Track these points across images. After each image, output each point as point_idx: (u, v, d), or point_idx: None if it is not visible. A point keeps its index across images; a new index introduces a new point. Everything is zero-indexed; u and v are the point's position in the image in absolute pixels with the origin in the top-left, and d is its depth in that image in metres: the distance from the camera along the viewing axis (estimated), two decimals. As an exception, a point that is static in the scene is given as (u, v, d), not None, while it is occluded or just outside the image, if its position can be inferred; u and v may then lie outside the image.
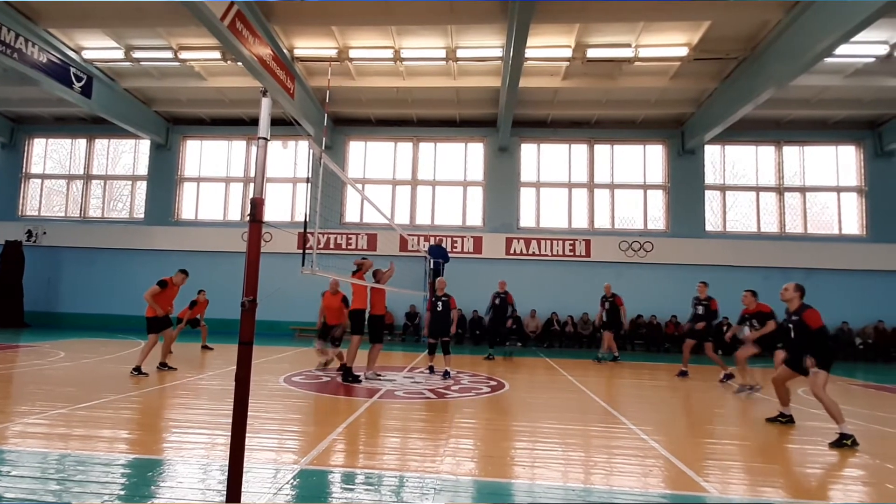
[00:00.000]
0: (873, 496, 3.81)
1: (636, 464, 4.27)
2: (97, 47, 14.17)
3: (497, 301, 12.32)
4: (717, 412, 6.91)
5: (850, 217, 16.89)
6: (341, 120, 17.92)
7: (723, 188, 17.34)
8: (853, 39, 10.18)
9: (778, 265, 16.15)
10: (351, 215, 18.19)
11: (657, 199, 17.48)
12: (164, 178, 18.53)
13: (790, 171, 17.21)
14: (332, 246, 17.26)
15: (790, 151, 17.24)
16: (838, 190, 16.98)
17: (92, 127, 18.65)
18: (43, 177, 19.19)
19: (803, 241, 16.61)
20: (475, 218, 17.81)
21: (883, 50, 12.31)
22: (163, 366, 8.24)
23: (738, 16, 11.66)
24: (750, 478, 4.06)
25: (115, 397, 6.09)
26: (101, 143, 19.15)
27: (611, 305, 12.08)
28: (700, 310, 9.91)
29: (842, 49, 10.81)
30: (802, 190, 17.09)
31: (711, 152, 17.37)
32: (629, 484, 3.81)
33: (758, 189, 17.24)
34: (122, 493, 3.30)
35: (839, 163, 17.03)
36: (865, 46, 12.17)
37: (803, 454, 4.81)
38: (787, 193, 17.12)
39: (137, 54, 14.29)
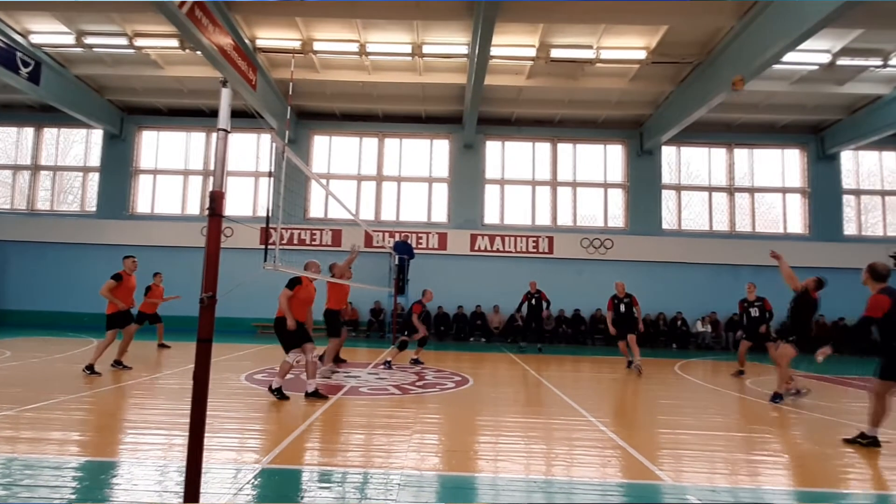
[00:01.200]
0: (814, 480, 4.06)
1: (595, 455, 4.42)
2: (46, 31, 13.45)
3: (533, 301, 13.05)
4: (672, 403, 7.19)
5: (794, 217, 17.80)
6: (305, 113, 17.62)
7: (678, 188, 17.97)
8: (799, 48, 10.75)
9: (728, 262, 16.88)
10: (315, 211, 17.94)
11: (617, 198, 17.96)
12: (118, 169, 17.78)
13: (740, 172, 17.99)
14: (295, 242, 16.98)
15: (740, 154, 18.01)
16: (784, 191, 17.85)
17: (40, 115, 17.70)
18: (-15, 167, 18.12)
19: (752, 239, 17.40)
20: (440, 214, 17.86)
21: (825, 58, 13.00)
22: (117, 364, 7.95)
23: (693, 21, 12.09)
24: (702, 465, 4.26)
25: (66, 398, 5.85)
26: (50, 133, 18.21)
27: (626, 307, 10.12)
28: (754, 311, 9.70)
29: (789, 56, 11.40)
30: (751, 190, 17.89)
31: (668, 153, 17.97)
32: (589, 475, 3.94)
33: (710, 189, 17.94)
34: (73, 496, 3.20)
35: (785, 165, 17.92)
36: (810, 55, 12.84)
37: (750, 442, 5.07)
38: (737, 194, 17.89)
39: (89, 40, 13.64)
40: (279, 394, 6.04)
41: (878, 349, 4.73)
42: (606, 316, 10.54)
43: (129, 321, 8.08)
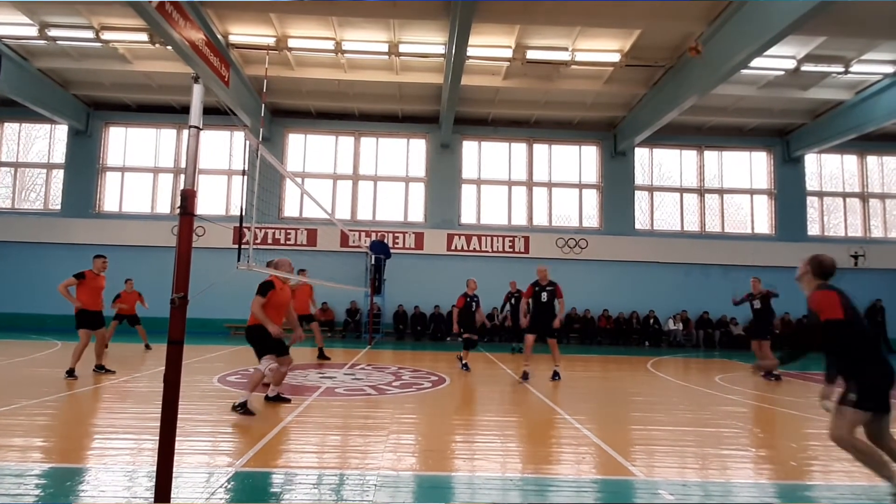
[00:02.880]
0: (780, 473, 4.19)
1: (570, 452, 4.47)
2: (6, 23, 12.91)
3: (513, 301, 12.56)
4: (645, 400, 7.32)
5: (761, 217, 18.34)
6: (280, 111, 17.37)
7: (650, 189, 18.32)
8: (766, 53, 11.09)
9: (699, 262, 17.30)
10: (290, 210, 17.70)
11: (591, 198, 18.21)
12: (83, 166, 17.23)
13: (710, 174, 18.44)
14: (269, 241, 16.73)
15: (710, 156, 18.47)
16: (751, 192, 18.38)
17: (0, 109, 17.02)
18: (-61, 162, 17.33)
19: (721, 239, 17.86)
20: (417, 214, 17.83)
21: (791, 64, 13.42)
22: (99, 368, 7.64)
23: (665, 26, 12.34)
24: (673, 461, 4.36)
25: (28, 402, 5.64)
26: (10, 128, 17.53)
27: (549, 297, 8.46)
28: (756, 304, 9.63)
29: (756, 62, 11.76)
30: (720, 192, 18.36)
31: (641, 154, 18.30)
32: (564, 471, 3.99)
33: (681, 190, 18.35)
34: (38, 505, 3.08)
35: (752, 167, 18.45)
36: (776, 60, 13.24)
37: (720, 437, 5.20)
38: (707, 195, 18.34)
39: (53, 32, 13.16)
40: (243, 409, 5.19)
41: (839, 366, 3.38)
42: (521, 306, 8.98)
43: (101, 324, 7.66)
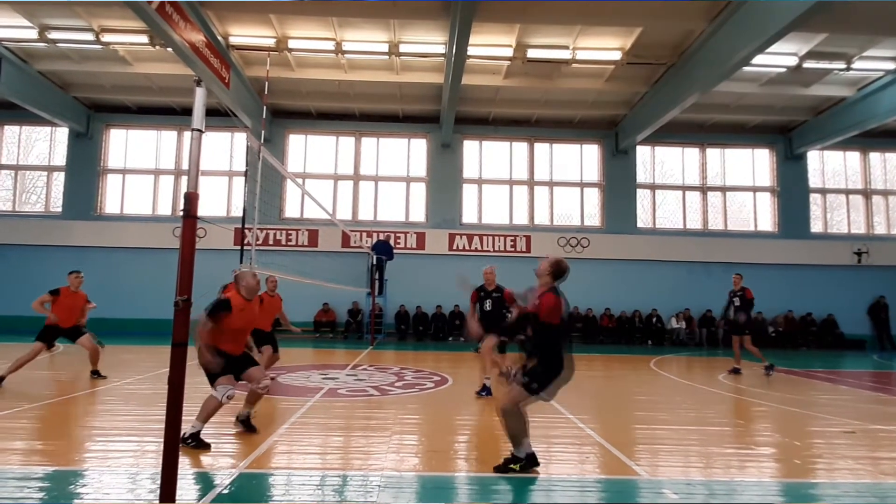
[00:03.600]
0: (784, 472, 4.18)
1: (574, 451, 4.46)
2: (6, 25, 12.92)
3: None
4: (648, 399, 7.31)
5: (764, 215, 18.28)
6: (280, 112, 17.36)
7: (652, 187, 18.28)
8: (767, 51, 11.04)
9: (701, 259, 17.26)
10: (291, 210, 17.70)
11: (593, 197, 18.18)
12: (84, 168, 17.23)
13: (712, 171, 18.39)
14: (271, 242, 16.73)
15: (712, 153, 18.42)
16: (754, 190, 18.32)
17: (0, 112, 17.04)
18: (-59, 166, 17.36)
19: (724, 237, 17.81)
20: (418, 214, 17.82)
21: (793, 61, 13.38)
22: (95, 373, 7.59)
23: (666, 24, 12.31)
24: (677, 460, 4.34)
25: (30, 406, 5.64)
26: (11, 130, 17.54)
27: (494, 304, 7.37)
28: (737, 301, 9.70)
29: (758, 59, 11.70)
30: (723, 189, 18.31)
31: (642, 153, 18.26)
32: (567, 471, 3.97)
33: (684, 188, 18.31)
34: (41, 508, 3.08)
35: (755, 164, 18.40)
36: (778, 57, 13.19)
37: (723, 435, 5.19)
38: (709, 193, 18.29)
39: (53, 35, 13.17)
40: (195, 441, 4.25)
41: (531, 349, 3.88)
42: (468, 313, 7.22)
43: (55, 339, 7.31)
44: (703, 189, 18.25)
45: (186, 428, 3.99)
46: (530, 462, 3.84)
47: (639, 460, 4.18)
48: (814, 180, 18.32)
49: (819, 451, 4.62)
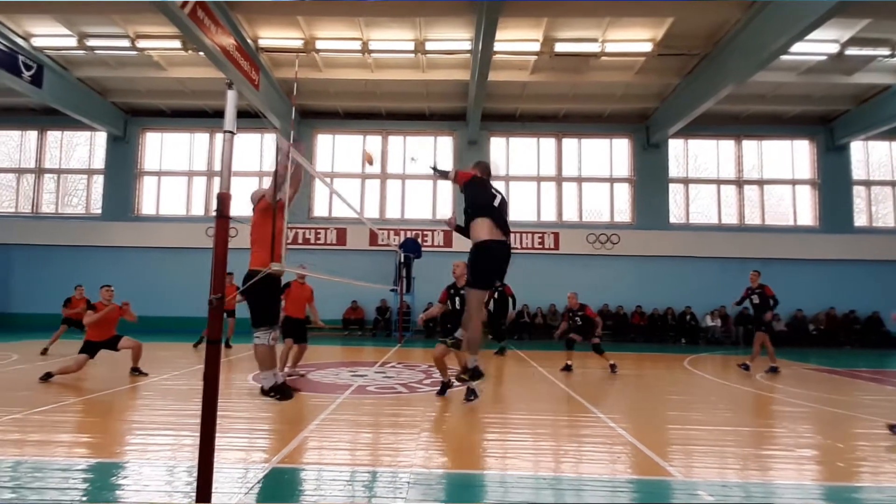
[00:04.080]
0: (826, 475, 4.01)
1: (604, 451, 4.38)
2: (47, 34, 13.51)
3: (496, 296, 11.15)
4: (682, 399, 7.13)
5: (804, 209, 17.63)
6: (308, 113, 17.61)
7: (686, 181, 17.83)
8: (806, 38, 10.61)
9: (736, 255, 16.77)
10: (319, 209, 17.95)
11: (623, 193, 17.85)
12: (122, 171, 17.86)
13: (749, 164, 17.83)
14: (300, 241, 17.01)
15: (749, 145, 17.85)
16: (793, 183, 17.69)
17: (43, 118, 17.78)
18: (-10, 170, 18.24)
19: (761, 232, 17.26)
20: (445, 211, 17.82)
21: (834, 49, 12.85)
22: (135, 370, 7.84)
23: (699, 13, 11.97)
24: (712, 461, 4.22)
25: (74, 400, 5.87)
26: (53, 136, 18.30)
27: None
28: (755, 299, 9.49)
29: (796, 47, 11.25)
30: (760, 183, 17.73)
31: (675, 146, 17.83)
32: (598, 471, 3.90)
33: (718, 182, 17.80)
34: (84, 498, 3.19)
35: (794, 157, 17.75)
36: (818, 45, 12.69)
37: (760, 436, 5.02)
38: (745, 186, 17.74)
39: (91, 42, 13.69)
40: (278, 392, 4.68)
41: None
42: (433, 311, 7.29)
43: (96, 352, 7.39)
44: (739, 182, 17.72)
45: (261, 384, 4.73)
46: (476, 374, 4.92)
47: (672, 461, 4.07)
48: (857, 172, 17.58)
49: (864, 454, 4.42)
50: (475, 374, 4.81)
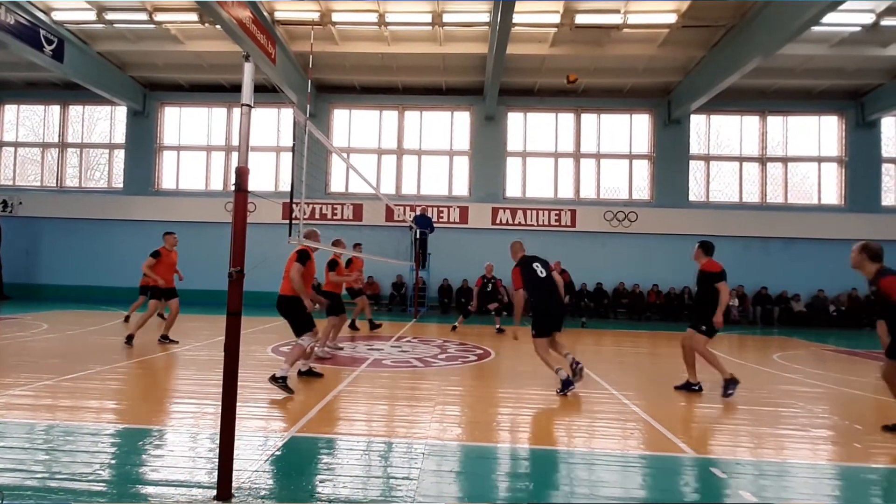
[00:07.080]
0: (842, 455, 4.00)
1: (617, 427, 4.42)
2: (68, 8, 13.55)
3: (489, 287, 11.59)
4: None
5: (829, 187, 17.15)
6: (325, 87, 17.50)
7: (707, 158, 17.44)
8: (840, 8, 10.16)
9: (758, 235, 16.46)
10: (336, 185, 17.99)
11: (642, 169, 17.54)
12: (142, 146, 18.04)
13: (773, 141, 17.33)
14: (317, 216, 17.11)
15: (774, 121, 17.32)
16: (819, 160, 17.17)
17: (65, 93, 17.97)
18: (16, 144, 18.56)
19: (784, 210, 16.87)
20: (461, 187, 17.73)
21: (869, 19, 12.30)
22: (164, 338, 8.11)
23: (727, -18, 11.52)
24: (725, 439, 4.23)
25: (101, 368, 6.08)
26: (75, 110, 18.51)
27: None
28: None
29: (828, 17, 10.76)
30: (784, 160, 17.26)
31: (697, 122, 17.39)
32: (610, 446, 3.95)
33: (741, 159, 17.37)
34: (113, 461, 3.34)
35: (821, 133, 17.19)
36: (852, 15, 12.15)
37: (776, 416, 5.00)
38: (769, 163, 17.28)
39: (110, 16, 13.70)
40: (283, 384, 5.07)
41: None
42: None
43: (174, 296, 8.10)
44: (763, 160, 17.27)
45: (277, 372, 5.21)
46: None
47: (685, 438, 4.10)
48: (887, 149, 16.99)
49: (883, 436, 4.39)
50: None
